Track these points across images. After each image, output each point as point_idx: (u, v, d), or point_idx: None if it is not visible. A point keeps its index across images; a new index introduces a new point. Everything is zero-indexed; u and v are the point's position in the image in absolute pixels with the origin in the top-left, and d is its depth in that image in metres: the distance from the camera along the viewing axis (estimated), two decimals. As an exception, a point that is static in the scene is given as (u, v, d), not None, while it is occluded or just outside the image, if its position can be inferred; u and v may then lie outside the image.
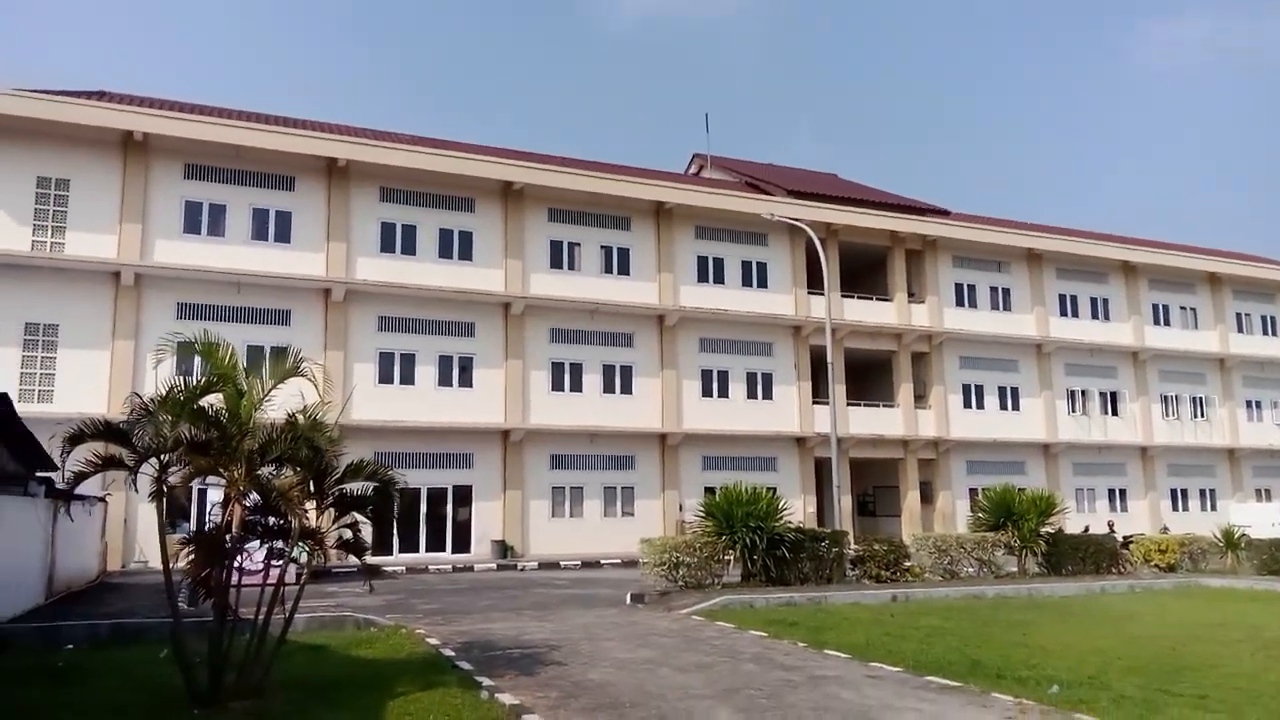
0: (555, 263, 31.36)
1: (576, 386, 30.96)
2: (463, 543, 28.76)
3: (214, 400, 8.65)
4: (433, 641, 11.82)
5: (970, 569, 20.21)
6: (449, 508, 28.90)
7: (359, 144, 29.10)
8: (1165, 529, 33.25)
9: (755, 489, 18.28)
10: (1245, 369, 42.68)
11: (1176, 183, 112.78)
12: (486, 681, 9.23)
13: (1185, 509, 40.46)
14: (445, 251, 29.98)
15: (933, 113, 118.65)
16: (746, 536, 17.27)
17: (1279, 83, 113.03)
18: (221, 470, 7.97)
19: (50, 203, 25.89)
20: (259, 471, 8.27)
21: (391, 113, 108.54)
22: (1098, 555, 21.65)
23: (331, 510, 8.95)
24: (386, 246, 29.29)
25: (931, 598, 17.35)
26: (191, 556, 8.02)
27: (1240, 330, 43.13)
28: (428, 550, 28.18)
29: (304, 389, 8.86)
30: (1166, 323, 41.72)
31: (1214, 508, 40.81)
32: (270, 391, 8.80)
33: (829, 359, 25.66)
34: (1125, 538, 24.75)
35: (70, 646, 11.64)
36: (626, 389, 31.62)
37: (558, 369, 30.84)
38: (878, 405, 35.53)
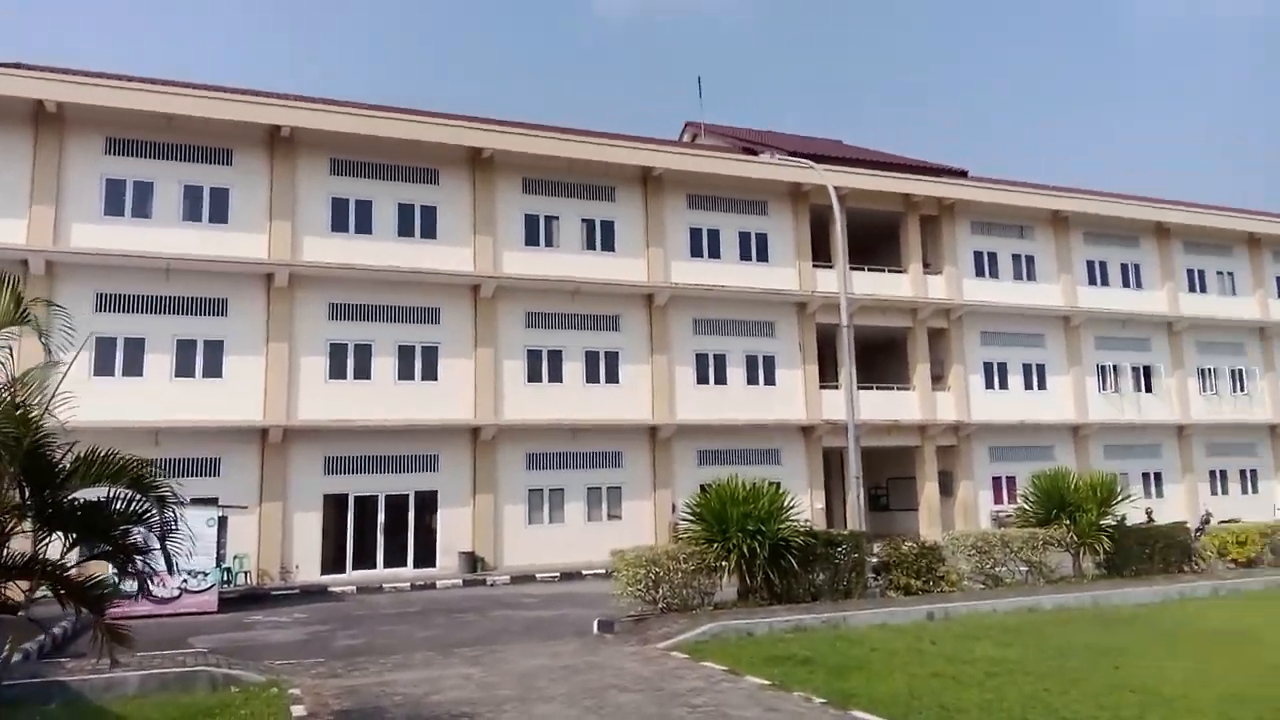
0: (531, 239, 27.95)
1: (556, 376, 27.55)
2: (427, 556, 25.27)
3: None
4: (299, 711, 8.45)
5: (1017, 573, 16.84)
6: (410, 517, 25.50)
7: (303, 109, 25.65)
8: (1207, 515, 29.90)
9: (755, 484, 14.91)
10: (1289, 337, 39.18)
11: (1194, 148, 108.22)
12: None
13: (1225, 492, 37.00)
14: (405, 229, 26.59)
15: (937, 83, 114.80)
16: (744, 544, 13.81)
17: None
18: None
19: (-54, 185, 22.68)
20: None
21: (350, 89, 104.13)
22: (1167, 551, 18.23)
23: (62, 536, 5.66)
24: (338, 225, 25.93)
25: (977, 612, 13.96)
26: None
27: (1282, 295, 39.65)
28: (386, 566, 24.74)
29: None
30: (1203, 289, 38.20)
31: (1255, 489, 37.51)
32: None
33: (842, 325, 21.60)
34: (1200, 524, 21.31)
35: None
36: (612, 377, 28.20)
37: (534, 357, 27.43)
38: (891, 388, 32.06)
